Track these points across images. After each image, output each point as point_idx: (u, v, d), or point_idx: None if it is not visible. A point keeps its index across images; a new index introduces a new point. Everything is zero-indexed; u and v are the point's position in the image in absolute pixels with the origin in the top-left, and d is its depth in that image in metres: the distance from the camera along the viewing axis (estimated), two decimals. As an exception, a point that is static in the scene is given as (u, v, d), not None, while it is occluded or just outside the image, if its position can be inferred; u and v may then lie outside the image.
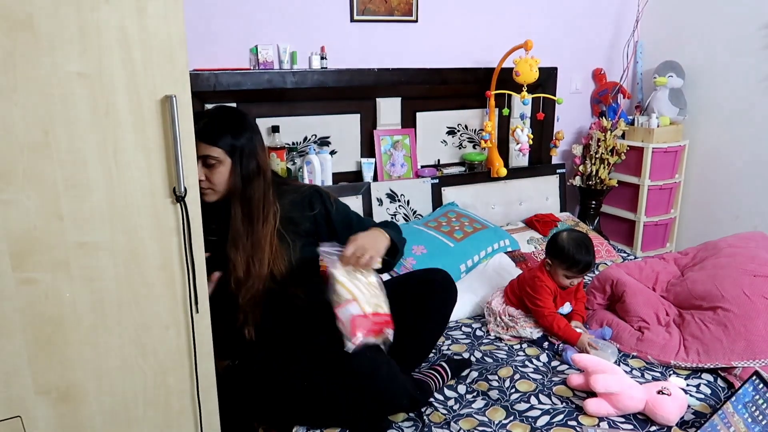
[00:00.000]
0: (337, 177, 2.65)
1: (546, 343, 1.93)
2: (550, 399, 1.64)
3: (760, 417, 1.43)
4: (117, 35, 1.23)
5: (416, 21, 2.72)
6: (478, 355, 1.89)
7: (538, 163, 3.13)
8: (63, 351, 1.34)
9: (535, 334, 1.97)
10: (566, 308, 2.03)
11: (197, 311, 1.42)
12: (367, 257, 1.55)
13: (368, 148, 2.72)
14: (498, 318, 2.06)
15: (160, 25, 1.25)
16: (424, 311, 1.75)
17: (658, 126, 3.03)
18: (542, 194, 3.06)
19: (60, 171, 1.24)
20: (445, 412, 1.59)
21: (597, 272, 2.47)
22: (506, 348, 1.94)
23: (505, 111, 2.81)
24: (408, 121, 2.79)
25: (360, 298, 1.52)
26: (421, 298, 1.75)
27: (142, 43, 1.25)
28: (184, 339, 1.44)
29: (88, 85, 1.22)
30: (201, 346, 1.46)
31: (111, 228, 1.31)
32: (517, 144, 2.79)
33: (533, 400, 1.63)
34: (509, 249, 2.52)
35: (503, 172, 2.84)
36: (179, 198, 1.33)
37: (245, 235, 1.64)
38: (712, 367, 1.77)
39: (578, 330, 1.94)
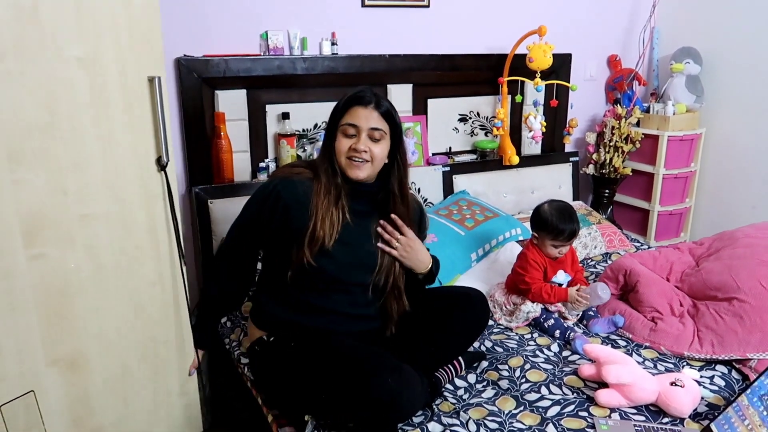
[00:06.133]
0: (348, 164, 2.63)
1: (557, 332, 1.91)
2: (561, 389, 1.63)
3: (776, 410, 1.41)
4: (108, 22, 1.34)
5: (428, 6, 2.68)
6: (488, 344, 1.88)
7: (551, 151, 3.09)
8: (70, 321, 1.42)
9: (537, 308, 1.99)
10: (561, 276, 2.05)
11: (184, 264, 1.60)
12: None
13: (379, 136, 2.70)
14: (504, 308, 2.07)
15: (143, 14, 1.39)
16: (454, 329, 1.68)
17: (673, 114, 2.97)
18: (555, 182, 3.02)
19: (63, 149, 1.33)
20: (454, 401, 1.59)
21: (610, 262, 2.45)
22: (517, 337, 1.93)
23: (518, 98, 2.77)
24: (419, 108, 2.76)
25: None
26: (452, 314, 1.69)
27: (129, 29, 1.37)
28: (169, 294, 1.59)
29: (85, 68, 1.32)
30: (183, 298, 1.62)
31: (106, 199, 1.42)
32: (530, 131, 2.75)
33: (544, 390, 1.62)
34: (521, 238, 2.50)
35: (515, 160, 2.81)
36: (162, 167, 1.49)
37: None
38: (726, 358, 1.74)
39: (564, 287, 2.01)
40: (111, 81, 1.36)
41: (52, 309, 1.38)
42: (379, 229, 1.64)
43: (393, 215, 1.63)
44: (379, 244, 1.64)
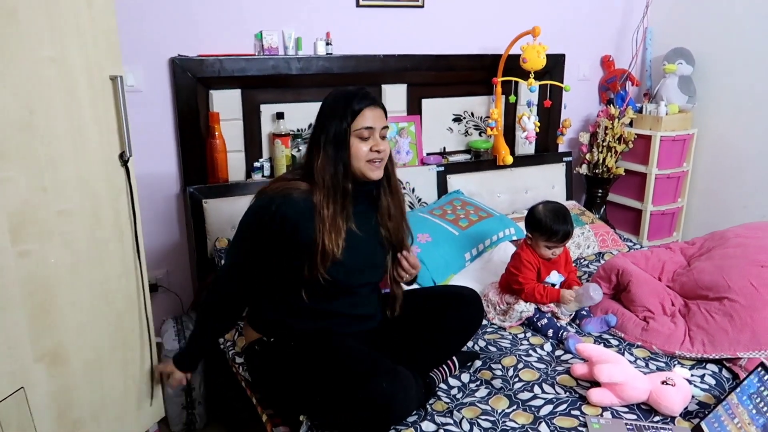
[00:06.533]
0: (342, 164, 2.63)
1: (550, 332, 1.93)
2: (554, 388, 1.64)
3: (765, 408, 1.43)
4: (74, 23, 1.38)
5: (422, 6, 2.69)
6: (482, 344, 1.89)
7: (545, 151, 3.11)
8: (52, 315, 1.45)
9: (530, 308, 2.00)
10: (554, 277, 2.06)
11: (139, 259, 1.64)
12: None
13: (373, 135, 2.70)
14: (497, 307, 2.08)
15: (103, 16, 1.44)
16: (450, 328, 1.71)
17: (666, 114, 2.99)
18: (548, 182, 3.04)
19: (41, 147, 1.36)
20: (448, 400, 1.60)
21: (603, 262, 2.46)
22: (510, 337, 1.94)
23: (512, 98, 2.78)
24: (414, 108, 2.76)
25: None
26: (447, 313, 1.71)
27: (91, 30, 1.42)
28: (133, 284, 1.65)
29: (56, 68, 1.36)
30: (145, 289, 1.68)
31: (79, 195, 1.46)
32: (524, 132, 2.76)
33: (537, 390, 1.63)
34: (515, 237, 2.51)
35: (509, 159, 2.82)
36: (125, 162, 1.55)
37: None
38: (717, 357, 1.76)
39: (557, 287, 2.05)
40: (79, 80, 1.41)
41: (37, 304, 1.41)
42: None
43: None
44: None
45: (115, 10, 1.47)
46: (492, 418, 1.51)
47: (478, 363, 1.77)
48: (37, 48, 1.31)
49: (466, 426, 1.48)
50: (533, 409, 1.55)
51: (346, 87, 1.60)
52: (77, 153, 1.44)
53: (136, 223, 1.61)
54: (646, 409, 1.55)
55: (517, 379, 1.68)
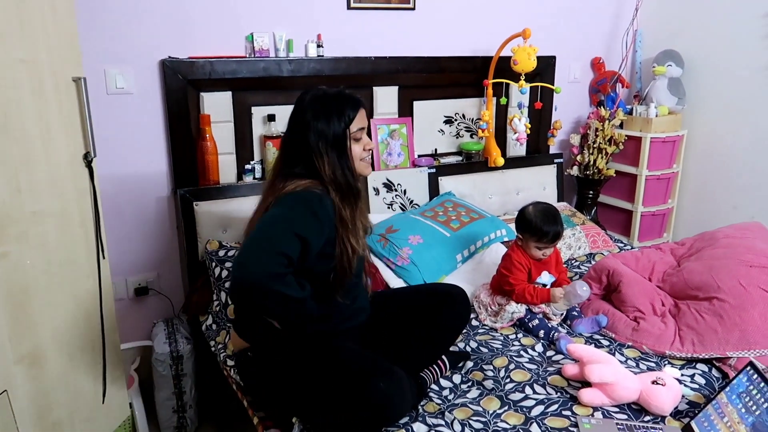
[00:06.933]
0: (334, 166, 2.63)
1: (542, 332, 1.93)
2: (545, 389, 1.64)
3: (754, 407, 1.44)
4: (41, 26, 1.41)
5: (414, 9, 2.69)
6: (473, 345, 1.89)
7: (536, 153, 3.12)
8: (30, 317, 1.46)
9: (522, 308, 2.00)
10: (545, 277, 2.07)
11: (104, 257, 1.65)
12: None
13: (365, 137, 2.70)
14: (489, 308, 2.08)
15: (65, 19, 1.47)
16: (446, 324, 1.74)
17: (656, 115, 3.01)
18: (540, 184, 3.05)
19: (16, 148, 1.38)
20: (439, 402, 1.60)
21: (594, 262, 2.47)
22: (501, 338, 1.94)
23: (503, 100, 2.79)
24: (405, 110, 2.76)
25: None
26: (437, 311, 1.74)
27: (56, 33, 1.45)
28: (99, 285, 1.67)
29: (27, 69, 1.38)
30: (105, 287, 1.68)
31: (50, 195, 1.48)
32: (515, 133, 2.77)
33: (528, 390, 1.63)
34: (506, 239, 2.51)
35: (501, 161, 2.83)
36: (89, 162, 1.57)
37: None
38: (706, 357, 1.77)
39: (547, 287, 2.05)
40: (46, 81, 1.43)
41: (16, 306, 1.41)
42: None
43: None
44: None
45: (74, 13, 1.50)
46: (483, 419, 1.51)
47: (469, 364, 1.77)
48: (9, 50, 1.32)
49: (457, 427, 1.48)
50: (524, 409, 1.55)
51: (323, 88, 1.60)
52: (47, 154, 1.45)
53: (99, 224, 1.62)
54: (637, 409, 1.56)
55: (508, 380, 1.68)
